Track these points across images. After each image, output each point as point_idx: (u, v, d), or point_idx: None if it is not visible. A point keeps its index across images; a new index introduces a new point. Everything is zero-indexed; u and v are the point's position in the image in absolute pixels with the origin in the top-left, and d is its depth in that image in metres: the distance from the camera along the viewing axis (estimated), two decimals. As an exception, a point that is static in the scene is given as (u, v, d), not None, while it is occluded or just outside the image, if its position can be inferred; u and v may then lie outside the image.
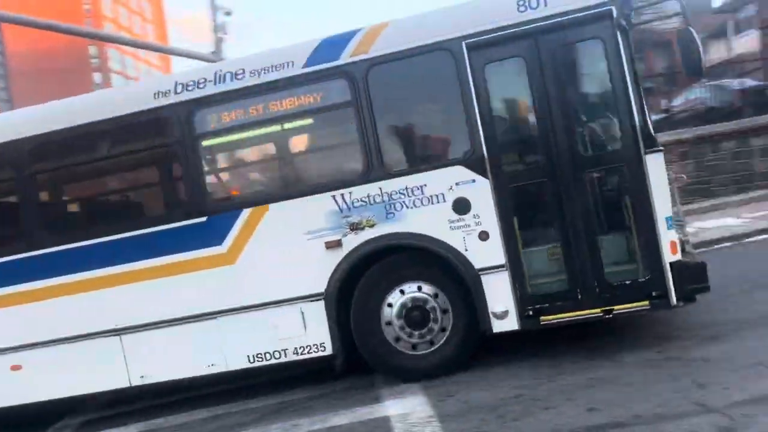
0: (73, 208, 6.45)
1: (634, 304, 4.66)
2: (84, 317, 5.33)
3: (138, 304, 5.28)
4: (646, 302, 4.65)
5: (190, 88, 5.23)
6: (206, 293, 5.21)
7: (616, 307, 4.68)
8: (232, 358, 5.22)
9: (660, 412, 3.62)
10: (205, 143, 5.38)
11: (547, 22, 4.72)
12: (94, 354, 5.33)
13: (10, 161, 5.51)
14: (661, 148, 4.72)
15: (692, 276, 4.60)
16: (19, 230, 5.57)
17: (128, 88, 5.71)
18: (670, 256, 4.58)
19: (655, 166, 4.61)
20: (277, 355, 5.16)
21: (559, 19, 4.71)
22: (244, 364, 5.22)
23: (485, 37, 4.78)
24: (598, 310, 4.71)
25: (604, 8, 4.62)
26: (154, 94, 5.32)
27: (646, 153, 4.59)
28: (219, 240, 5.19)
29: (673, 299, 4.57)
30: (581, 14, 4.67)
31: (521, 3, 4.76)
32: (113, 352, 5.31)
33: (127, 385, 5.36)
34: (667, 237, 4.59)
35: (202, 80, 5.24)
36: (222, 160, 5.82)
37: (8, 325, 5.46)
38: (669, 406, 3.68)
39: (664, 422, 3.48)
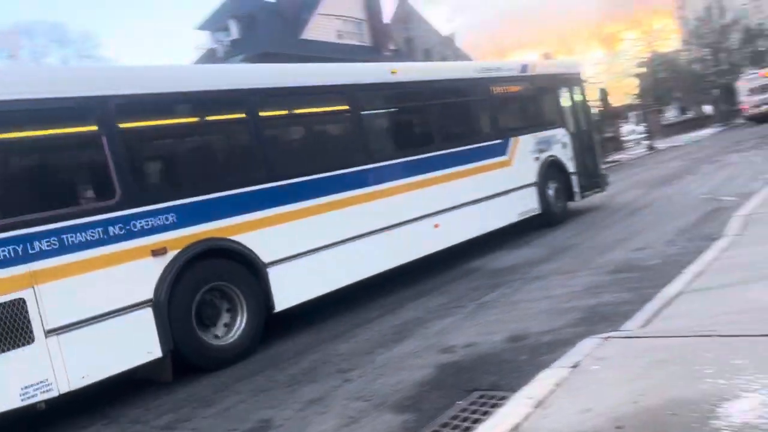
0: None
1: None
2: (460, 194, 9.01)
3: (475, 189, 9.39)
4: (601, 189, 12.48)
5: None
6: (497, 182, 9.70)
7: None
8: (511, 216, 9.92)
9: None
10: (501, 105, 10.72)
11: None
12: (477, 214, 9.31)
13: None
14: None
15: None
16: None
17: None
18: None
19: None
20: (524, 214, 10.19)
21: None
22: (516, 219, 10.02)
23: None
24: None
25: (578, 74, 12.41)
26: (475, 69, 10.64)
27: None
28: (504, 153, 10.05)
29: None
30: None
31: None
32: (476, 214, 9.28)
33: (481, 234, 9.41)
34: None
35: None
36: (503, 111, 10.71)
37: (432, 199, 8.50)
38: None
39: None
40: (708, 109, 49.80)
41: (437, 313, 6.59)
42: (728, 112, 43.29)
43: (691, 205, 10.31)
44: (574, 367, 3.87)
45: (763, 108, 27.49)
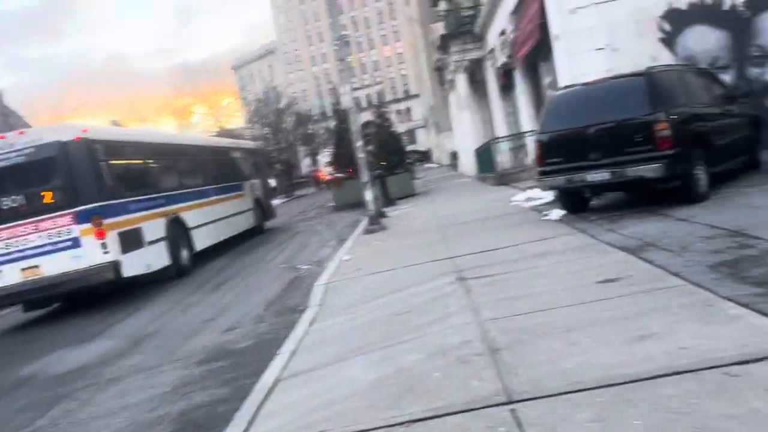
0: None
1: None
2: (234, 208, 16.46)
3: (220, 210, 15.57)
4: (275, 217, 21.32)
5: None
6: (242, 205, 17.25)
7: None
8: (246, 225, 17.37)
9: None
10: (239, 164, 18.84)
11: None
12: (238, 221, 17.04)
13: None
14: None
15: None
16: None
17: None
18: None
19: None
20: (250, 225, 17.81)
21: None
22: (247, 227, 17.50)
23: None
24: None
25: (260, 148, 22.51)
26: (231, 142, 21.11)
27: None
28: (242, 190, 17.66)
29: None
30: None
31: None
32: (219, 226, 15.19)
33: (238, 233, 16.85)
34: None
35: None
36: (240, 167, 18.78)
37: (228, 207, 16.16)
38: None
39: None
40: (272, 182, 54.91)
41: (-37, 460, 4.62)
42: (290, 185, 48.39)
43: (273, 275, 10.37)
44: None
45: (334, 176, 33.41)
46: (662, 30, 12.03)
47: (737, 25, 11.75)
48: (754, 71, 11.90)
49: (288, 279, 9.74)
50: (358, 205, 16.08)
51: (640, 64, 9.83)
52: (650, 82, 8.03)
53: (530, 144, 15.67)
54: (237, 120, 60.62)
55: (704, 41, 11.90)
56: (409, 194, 20.73)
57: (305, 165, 66.68)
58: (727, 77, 11.29)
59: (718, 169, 8.61)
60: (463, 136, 26.91)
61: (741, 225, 6.11)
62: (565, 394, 3.22)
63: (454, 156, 38.72)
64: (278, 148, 49.49)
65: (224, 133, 49.03)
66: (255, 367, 5.33)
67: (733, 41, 11.85)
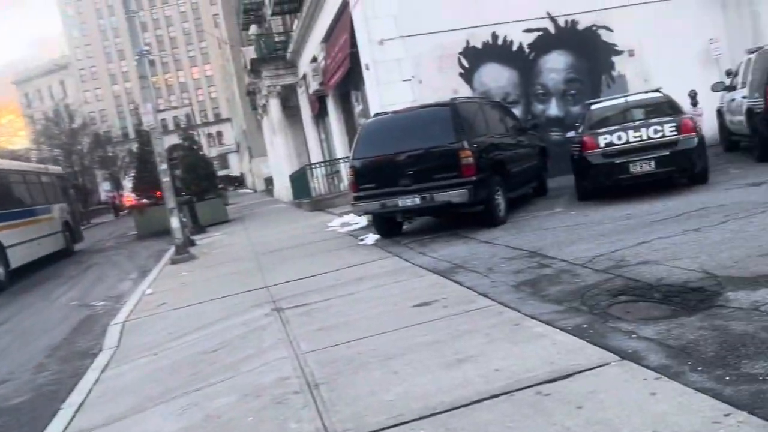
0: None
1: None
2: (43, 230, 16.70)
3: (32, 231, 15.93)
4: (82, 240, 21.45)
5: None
6: (50, 227, 17.47)
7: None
8: (56, 247, 17.79)
9: None
10: (45, 187, 18.91)
11: None
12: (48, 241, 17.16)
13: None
14: None
15: None
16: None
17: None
18: None
19: None
20: (56, 247, 18.15)
21: None
22: (58, 249, 17.98)
23: None
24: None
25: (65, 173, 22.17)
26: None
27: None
28: (51, 212, 17.86)
29: None
30: None
31: None
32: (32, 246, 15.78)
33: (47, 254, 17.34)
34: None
35: None
36: (47, 191, 18.79)
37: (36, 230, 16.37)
38: None
39: None
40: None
41: None
42: (86, 211, 44.05)
43: (60, 315, 9.06)
44: None
45: (136, 201, 31.51)
46: (461, 65, 12.96)
47: (524, 65, 13.08)
48: (538, 107, 13.30)
49: (79, 318, 8.56)
50: (164, 233, 14.95)
51: (442, 95, 10.43)
52: (454, 112, 8.48)
53: (344, 170, 15.87)
54: (20, 140, 53.97)
55: (497, 78, 13.06)
56: (222, 221, 19.86)
57: (104, 190, 61.30)
58: (517, 111, 12.45)
59: (514, 195, 9.35)
60: (278, 161, 26.63)
61: (537, 246, 6.60)
62: (387, 429, 3.06)
63: (269, 181, 38.17)
64: (72, 171, 44.88)
65: (5, 154, 43.28)
66: (30, 427, 4.49)
67: (521, 79, 13.14)
